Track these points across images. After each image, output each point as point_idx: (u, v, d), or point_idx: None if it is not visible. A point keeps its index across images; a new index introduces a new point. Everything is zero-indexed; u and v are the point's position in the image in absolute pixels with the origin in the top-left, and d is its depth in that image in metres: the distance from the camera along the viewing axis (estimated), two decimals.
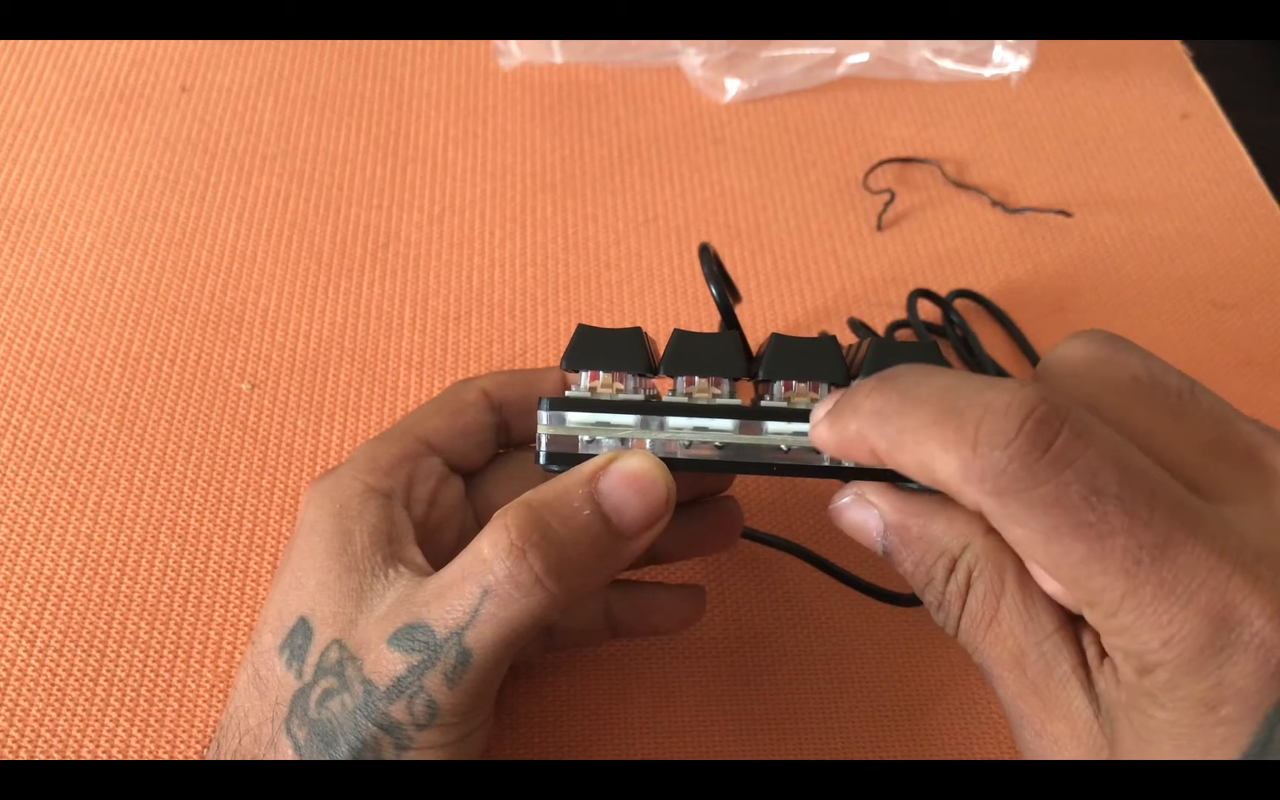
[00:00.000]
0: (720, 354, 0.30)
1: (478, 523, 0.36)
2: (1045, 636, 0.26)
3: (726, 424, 0.29)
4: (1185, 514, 0.22)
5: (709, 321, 0.49)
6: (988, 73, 0.60)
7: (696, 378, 0.30)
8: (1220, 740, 0.22)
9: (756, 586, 0.41)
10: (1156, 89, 0.60)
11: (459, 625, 0.28)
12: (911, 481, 0.27)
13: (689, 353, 0.30)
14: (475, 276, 0.51)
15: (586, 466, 0.29)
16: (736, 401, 0.30)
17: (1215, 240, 0.54)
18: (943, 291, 0.50)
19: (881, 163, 0.56)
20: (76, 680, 0.38)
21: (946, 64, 0.60)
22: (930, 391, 0.24)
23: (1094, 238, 0.54)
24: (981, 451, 0.23)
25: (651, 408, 0.29)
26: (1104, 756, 0.25)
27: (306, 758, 0.29)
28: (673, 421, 0.29)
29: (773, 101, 0.59)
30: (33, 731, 0.37)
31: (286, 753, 0.29)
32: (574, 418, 0.29)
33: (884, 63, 0.59)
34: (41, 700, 0.37)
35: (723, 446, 0.29)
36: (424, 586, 0.29)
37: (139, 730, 0.37)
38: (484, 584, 0.28)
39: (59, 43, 0.59)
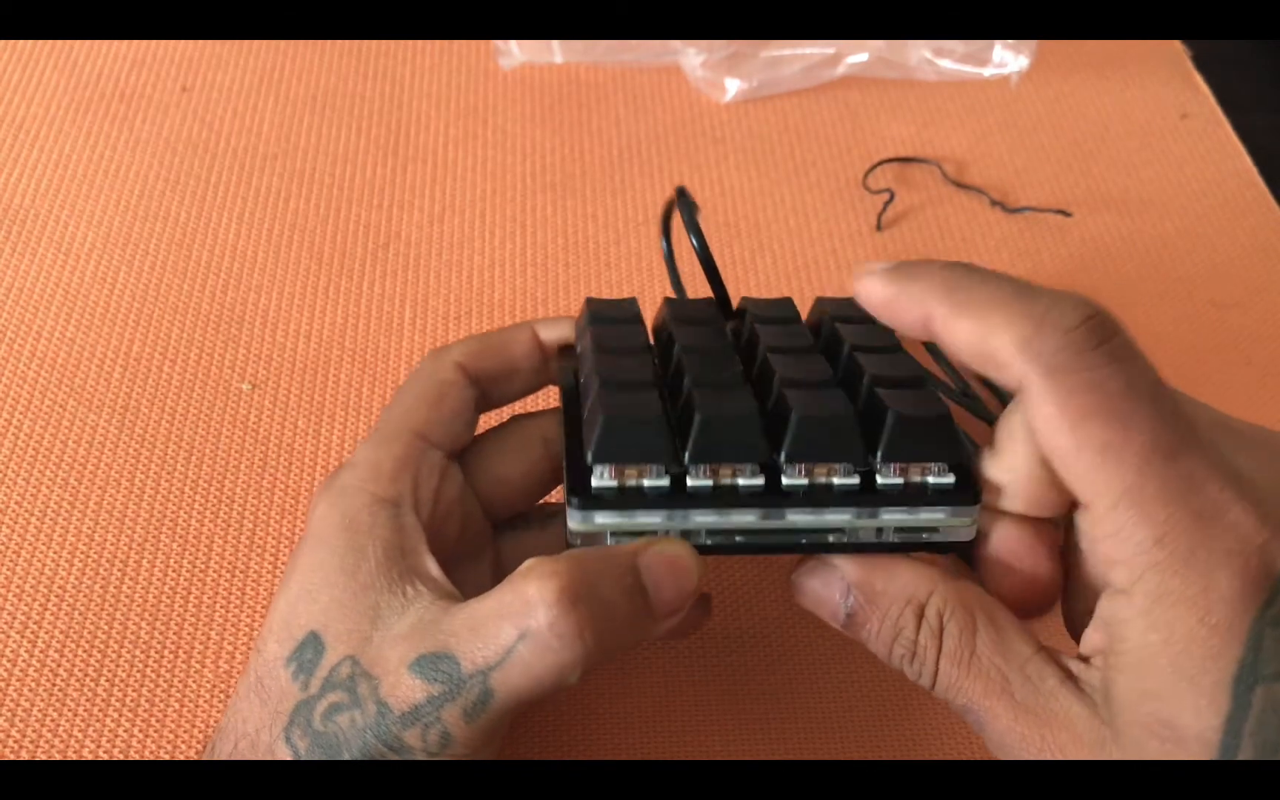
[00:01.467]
0: (742, 432, 0.29)
1: (479, 502, 0.36)
2: (1026, 659, 0.27)
3: (750, 517, 0.29)
4: (1198, 434, 0.25)
5: None
6: (987, 73, 0.60)
7: (720, 466, 0.29)
8: (1215, 653, 0.24)
9: (756, 586, 0.42)
10: (1156, 89, 0.60)
11: (487, 664, 0.28)
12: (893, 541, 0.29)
13: (714, 433, 0.29)
14: (475, 276, 0.51)
15: (632, 544, 0.29)
16: (760, 483, 0.29)
17: (1215, 240, 0.54)
18: None
19: (881, 162, 0.56)
20: (77, 680, 0.38)
21: (946, 64, 0.60)
22: (1003, 279, 0.27)
23: (1094, 238, 0.54)
24: (1043, 331, 0.25)
25: (678, 502, 0.29)
26: (1110, 748, 0.25)
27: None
28: (698, 516, 0.29)
29: (773, 101, 0.59)
30: (34, 731, 0.37)
31: (284, 759, 0.29)
32: (602, 519, 0.29)
33: (884, 62, 0.59)
34: (42, 700, 0.37)
35: (745, 533, 0.30)
36: (452, 615, 0.29)
37: (140, 730, 0.37)
38: (522, 628, 0.27)
39: (60, 43, 0.59)
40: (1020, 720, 0.26)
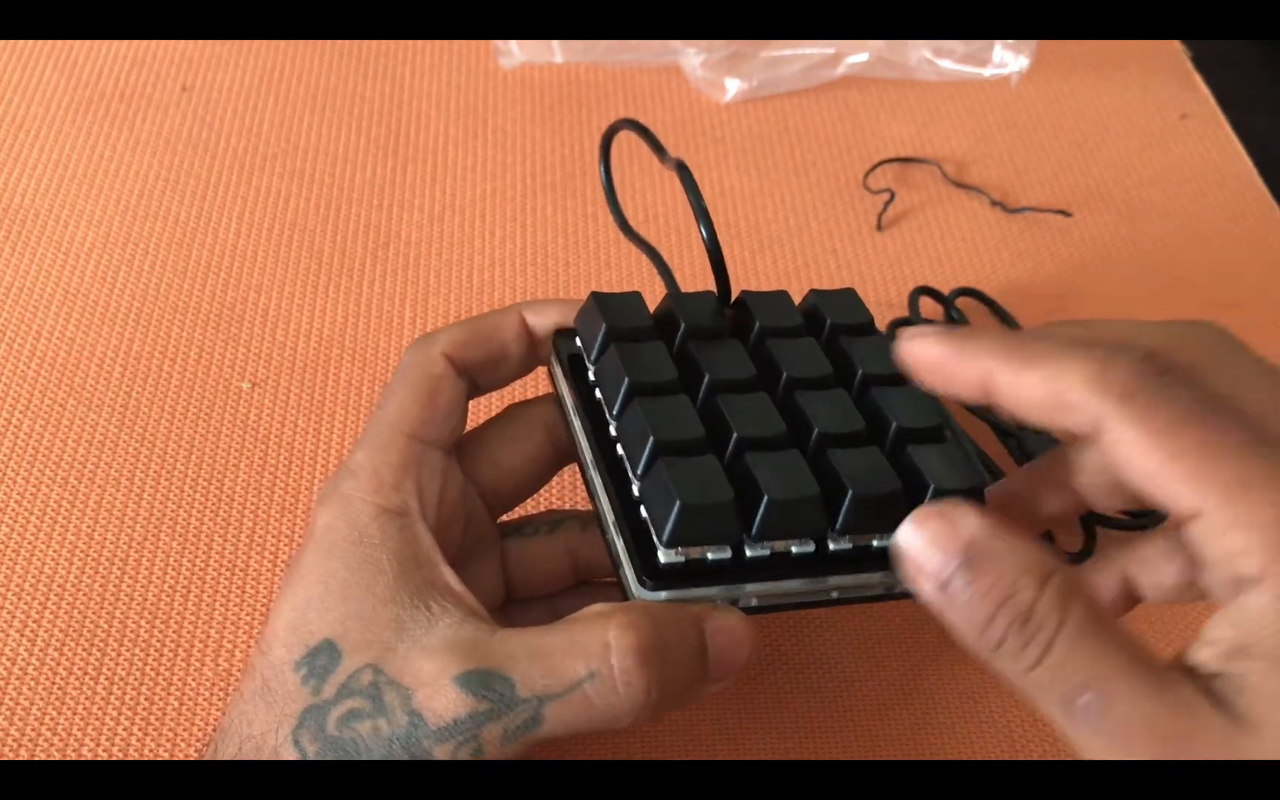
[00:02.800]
0: (806, 512, 0.30)
1: (481, 497, 0.36)
2: (1151, 656, 0.25)
3: (798, 583, 0.31)
4: (1264, 434, 0.25)
5: None
6: (987, 73, 0.60)
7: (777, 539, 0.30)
8: None
9: None
10: (1156, 89, 0.60)
11: (547, 692, 0.28)
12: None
13: (780, 515, 0.30)
14: (475, 276, 0.51)
15: (695, 607, 0.30)
16: (810, 550, 0.30)
17: (1214, 240, 0.54)
18: (943, 291, 0.50)
19: (881, 162, 0.56)
20: (77, 679, 0.38)
21: (946, 64, 0.60)
22: (1058, 337, 0.28)
23: (1093, 238, 0.54)
24: (1111, 366, 0.26)
25: (736, 574, 0.30)
26: (1244, 744, 0.24)
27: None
28: (751, 585, 0.30)
29: (773, 101, 0.59)
30: (33, 730, 0.37)
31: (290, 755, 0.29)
32: (667, 595, 0.30)
33: (884, 62, 0.59)
34: (42, 699, 0.37)
35: (792, 596, 0.31)
36: (506, 638, 0.29)
37: (139, 729, 0.37)
38: (593, 667, 0.28)
39: (60, 43, 0.59)
40: (1150, 699, 0.24)
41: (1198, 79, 0.61)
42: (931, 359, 0.29)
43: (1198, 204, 0.55)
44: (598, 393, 0.33)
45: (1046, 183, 0.56)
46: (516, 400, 0.38)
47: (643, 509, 0.31)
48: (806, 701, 0.39)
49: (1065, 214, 0.54)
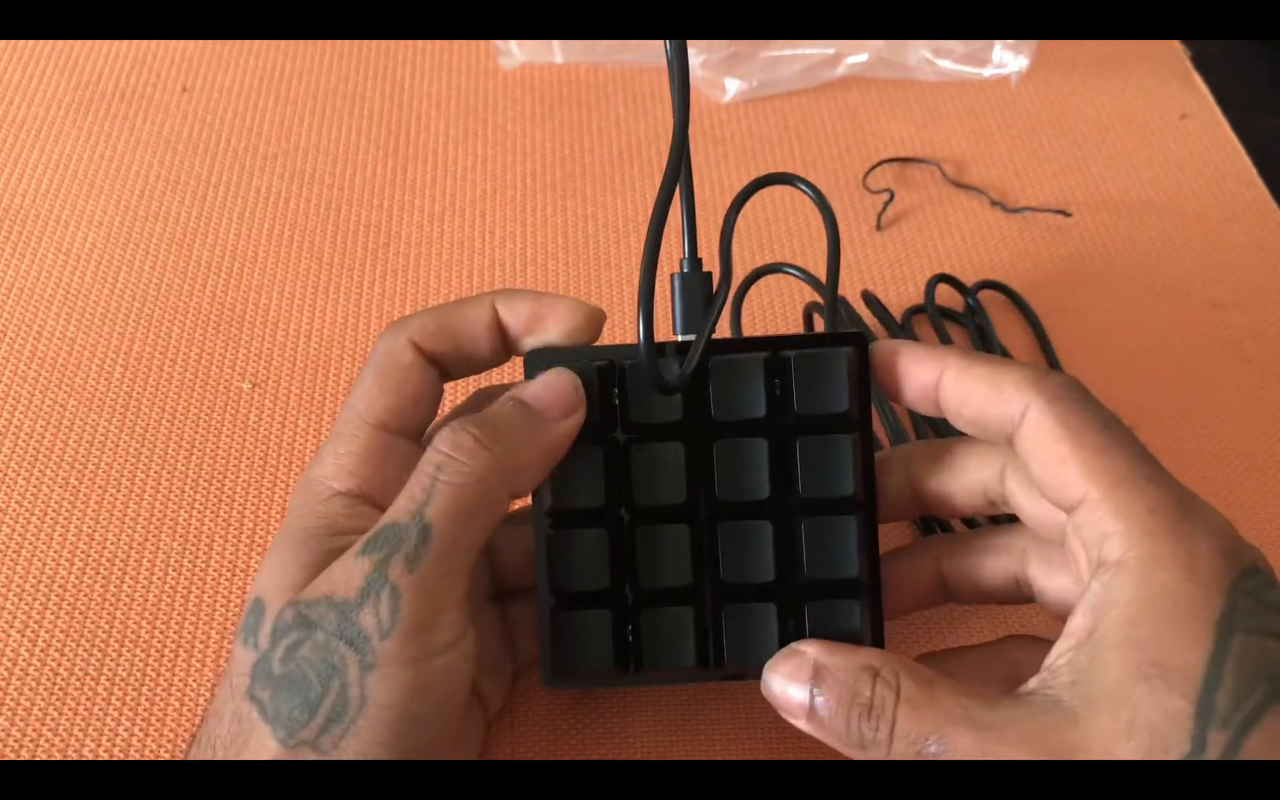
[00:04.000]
0: (683, 673, 0.36)
1: None
2: (980, 695, 0.29)
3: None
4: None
5: None
6: (987, 73, 0.60)
7: None
8: (1200, 602, 0.28)
9: None
10: (1155, 89, 0.60)
11: (419, 504, 0.30)
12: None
13: (655, 671, 0.35)
14: (475, 276, 0.51)
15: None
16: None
17: (1214, 240, 0.54)
18: (942, 291, 0.50)
19: (881, 162, 0.56)
20: (78, 679, 0.38)
21: (946, 64, 0.60)
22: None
23: (1093, 237, 0.54)
24: (1045, 376, 0.31)
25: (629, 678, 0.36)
26: (1079, 721, 0.28)
27: (272, 716, 0.29)
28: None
29: (772, 101, 0.59)
30: (34, 730, 0.37)
31: (251, 717, 0.29)
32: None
33: (884, 63, 0.59)
34: (43, 699, 0.38)
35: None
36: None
37: (140, 729, 0.37)
38: (435, 462, 0.31)
39: (60, 43, 0.59)
40: (979, 730, 0.28)
41: (1198, 79, 0.61)
42: (895, 360, 0.34)
43: (1197, 204, 0.55)
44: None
45: (1046, 183, 0.56)
46: (484, 386, 0.38)
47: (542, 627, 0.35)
48: None
49: (1065, 214, 0.54)
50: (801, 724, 0.31)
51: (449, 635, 0.30)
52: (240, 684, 0.30)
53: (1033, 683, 0.29)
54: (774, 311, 0.50)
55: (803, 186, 0.37)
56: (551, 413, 0.33)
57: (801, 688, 0.31)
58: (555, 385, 0.33)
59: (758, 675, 0.33)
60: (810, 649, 0.32)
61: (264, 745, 0.29)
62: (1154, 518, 0.29)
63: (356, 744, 0.29)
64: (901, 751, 0.29)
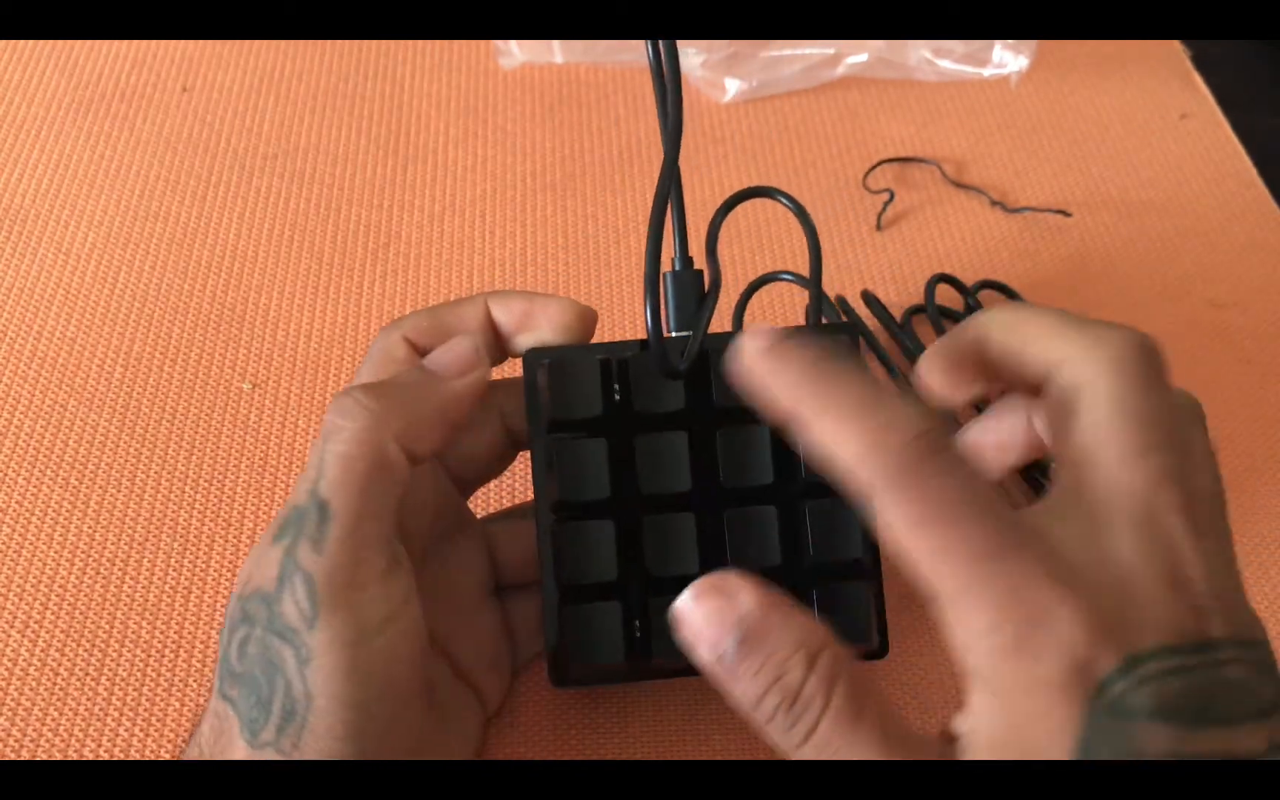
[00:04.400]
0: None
1: (455, 487, 0.36)
2: (907, 735, 0.27)
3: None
4: (1019, 532, 0.26)
5: None
6: (987, 73, 0.60)
7: None
8: (1052, 735, 0.25)
9: None
10: (1155, 89, 0.60)
11: (313, 482, 0.30)
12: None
13: (665, 663, 0.34)
14: (475, 276, 0.51)
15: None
16: None
17: (1214, 240, 0.54)
18: (942, 291, 0.50)
19: (881, 162, 0.56)
20: (78, 679, 0.38)
21: (946, 64, 0.60)
22: (858, 382, 0.27)
23: (1093, 237, 0.54)
24: (882, 443, 0.26)
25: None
26: None
27: (240, 716, 0.29)
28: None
29: (772, 101, 0.59)
30: (34, 730, 0.37)
31: (228, 715, 0.30)
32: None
33: (883, 63, 0.59)
34: (43, 699, 0.38)
35: None
36: None
37: (140, 729, 0.37)
38: (324, 432, 0.30)
39: (60, 43, 0.59)
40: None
41: (1198, 79, 0.61)
42: (753, 365, 0.28)
43: (1197, 204, 0.55)
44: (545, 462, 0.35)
45: (1046, 182, 0.56)
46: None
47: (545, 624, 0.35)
48: None
49: (1065, 214, 0.54)
50: (702, 660, 0.28)
51: (377, 614, 0.29)
52: (216, 681, 0.30)
53: (959, 741, 0.27)
54: (774, 317, 0.50)
55: (783, 199, 0.37)
56: (448, 372, 0.32)
57: (720, 632, 0.27)
58: (452, 346, 0.33)
59: None
60: (746, 592, 0.27)
61: (236, 745, 0.29)
62: (997, 635, 0.25)
63: (315, 742, 0.28)
64: (805, 755, 0.27)
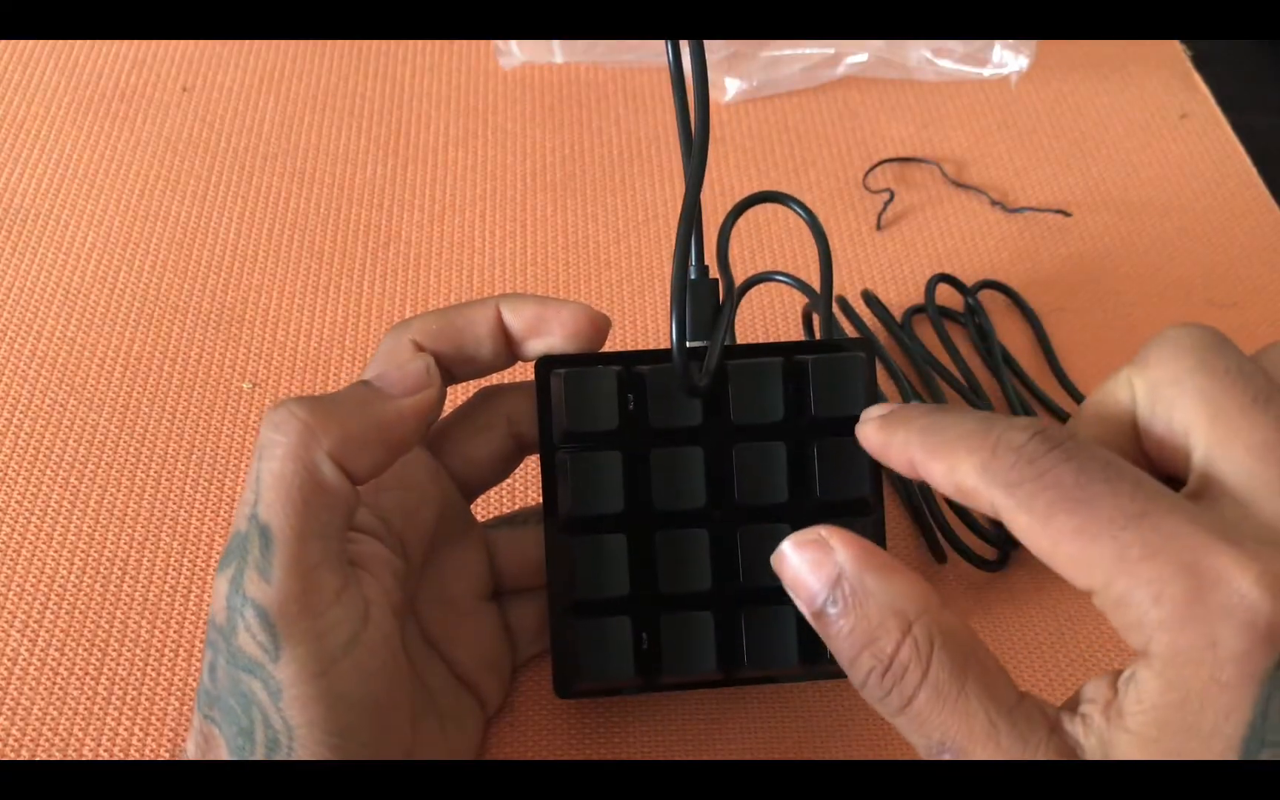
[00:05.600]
0: (703, 680, 0.35)
1: (459, 489, 0.36)
2: (1013, 705, 0.26)
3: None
4: (1162, 495, 0.25)
5: None
6: (987, 73, 0.60)
7: None
8: (1226, 712, 0.23)
9: None
10: (1155, 89, 0.60)
11: (251, 505, 0.29)
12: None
13: (675, 677, 0.35)
14: (475, 276, 0.51)
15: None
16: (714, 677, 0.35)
17: (1214, 240, 0.54)
18: (942, 291, 0.50)
19: (881, 162, 0.56)
20: (78, 679, 0.38)
21: (946, 64, 0.60)
22: (968, 416, 0.28)
23: (1093, 237, 0.54)
24: (997, 455, 0.26)
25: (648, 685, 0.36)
26: None
27: (225, 739, 0.29)
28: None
29: (772, 101, 0.59)
30: (34, 730, 0.37)
31: (214, 735, 0.29)
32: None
33: (883, 63, 0.59)
34: (43, 699, 0.38)
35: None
36: None
37: (140, 729, 0.37)
38: (257, 449, 0.29)
39: (60, 43, 0.59)
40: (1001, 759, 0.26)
41: (1198, 79, 0.61)
42: (874, 446, 0.31)
43: (1197, 203, 0.55)
44: (557, 472, 0.34)
45: (1046, 182, 0.56)
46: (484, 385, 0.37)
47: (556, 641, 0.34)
48: (807, 701, 0.39)
49: (1065, 214, 0.54)
50: (804, 611, 0.28)
51: (340, 637, 0.29)
52: (198, 698, 0.30)
53: (1066, 722, 0.26)
54: (768, 316, 0.50)
55: (796, 207, 0.37)
56: (392, 389, 0.31)
57: (818, 585, 0.27)
58: (402, 365, 0.32)
59: (776, 679, 0.33)
60: (838, 546, 0.27)
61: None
62: (1161, 607, 0.24)
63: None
64: (903, 729, 0.26)
